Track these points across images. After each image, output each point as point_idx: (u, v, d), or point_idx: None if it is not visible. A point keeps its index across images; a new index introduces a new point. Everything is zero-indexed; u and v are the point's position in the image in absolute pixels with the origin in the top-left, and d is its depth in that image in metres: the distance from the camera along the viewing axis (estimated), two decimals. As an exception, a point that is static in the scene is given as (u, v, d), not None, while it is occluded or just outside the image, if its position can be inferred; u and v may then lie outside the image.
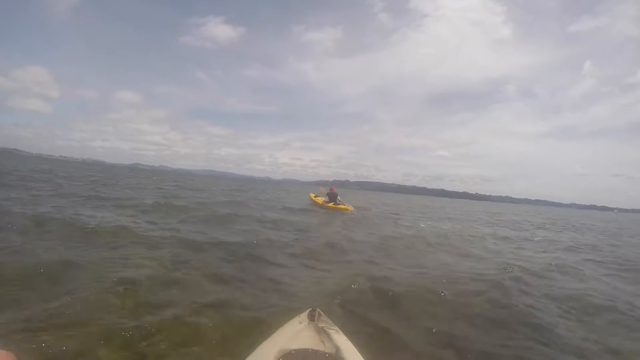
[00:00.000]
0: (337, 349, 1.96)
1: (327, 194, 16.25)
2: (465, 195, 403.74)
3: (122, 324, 2.78)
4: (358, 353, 1.97)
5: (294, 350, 1.92)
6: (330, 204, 15.62)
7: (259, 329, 2.76)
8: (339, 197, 16.04)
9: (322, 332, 2.16)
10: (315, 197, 17.79)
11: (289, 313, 2.54)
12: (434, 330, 3.36)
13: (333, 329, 2.18)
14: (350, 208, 15.37)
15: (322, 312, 2.37)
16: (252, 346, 2.01)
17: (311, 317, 2.31)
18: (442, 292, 4.34)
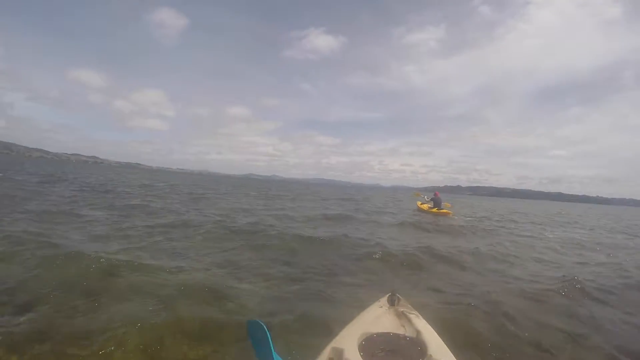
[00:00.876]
0: (418, 332, 1.98)
1: (432, 199, 16.61)
2: (584, 199, 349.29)
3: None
4: (439, 337, 1.96)
5: (376, 334, 1.99)
6: (434, 209, 15.96)
7: (341, 313, 2.87)
8: (442, 202, 16.31)
9: (402, 317, 2.19)
10: (421, 204, 17.87)
11: (370, 298, 2.60)
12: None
13: (413, 314, 2.20)
14: (451, 213, 15.56)
15: (401, 297, 2.40)
16: (335, 330, 2.11)
17: (391, 302, 2.37)
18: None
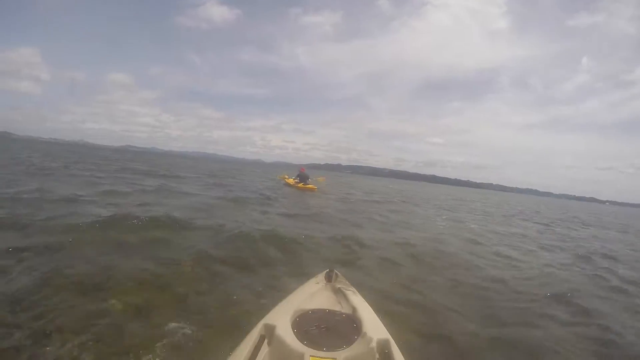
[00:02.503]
0: (354, 309, 1.99)
1: (298, 175, 16.77)
2: (456, 182, 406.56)
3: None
4: (374, 314, 2.00)
5: (311, 310, 1.95)
6: (300, 184, 16.18)
7: (276, 290, 2.79)
8: (309, 179, 16.64)
9: (339, 293, 2.20)
10: (287, 178, 18.14)
11: (306, 275, 2.56)
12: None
13: (350, 290, 2.21)
14: (316, 188, 15.90)
15: (339, 273, 2.41)
16: (269, 307, 2.04)
17: (328, 278, 2.36)
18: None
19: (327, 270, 2.42)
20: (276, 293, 2.84)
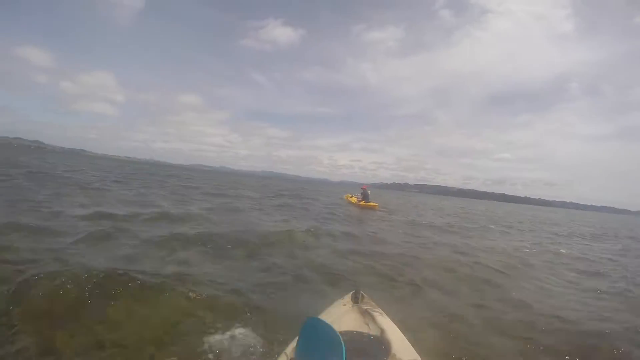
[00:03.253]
0: (382, 331, 1.92)
1: (361, 193, 17.59)
2: (527, 201, 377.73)
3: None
4: (403, 335, 1.92)
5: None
6: (362, 202, 16.99)
7: (304, 311, 2.77)
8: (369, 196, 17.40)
9: (366, 314, 2.13)
10: (350, 197, 19.21)
11: (333, 295, 2.53)
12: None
13: (377, 311, 2.14)
14: (377, 205, 16.57)
15: (365, 294, 2.35)
16: (296, 329, 2.03)
17: (355, 299, 2.30)
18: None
19: (354, 291, 2.36)
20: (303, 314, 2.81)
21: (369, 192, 17.48)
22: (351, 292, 2.36)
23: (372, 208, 16.15)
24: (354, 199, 17.98)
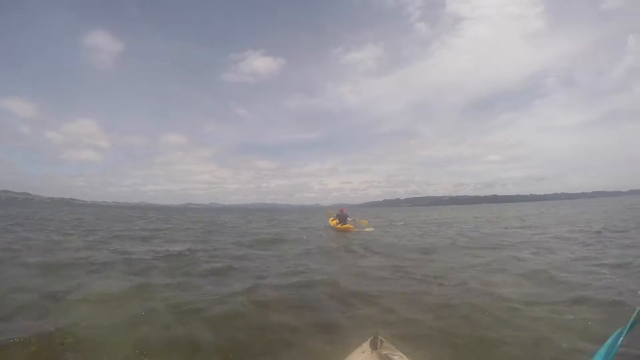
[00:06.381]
0: None
1: (337, 216, 16.65)
2: (518, 198, 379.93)
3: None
4: None
5: None
6: (339, 226, 16.03)
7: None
8: (349, 218, 16.41)
9: None
10: (331, 220, 17.90)
11: (350, 342, 2.50)
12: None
13: (396, 355, 2.12)
14: (352, 227, 15.61)
15: (384, 339, 2.32)
16: None
17: (373, 346, 2.25)
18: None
19: (372, 337, 2.30)
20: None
21: (346, 214, 16.61)
22: (370, 339, 2.30)
23: (347, 230, 15.38)
24: (332, 222, 17.10)
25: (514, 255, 7.92)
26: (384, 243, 11.34)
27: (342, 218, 16.32)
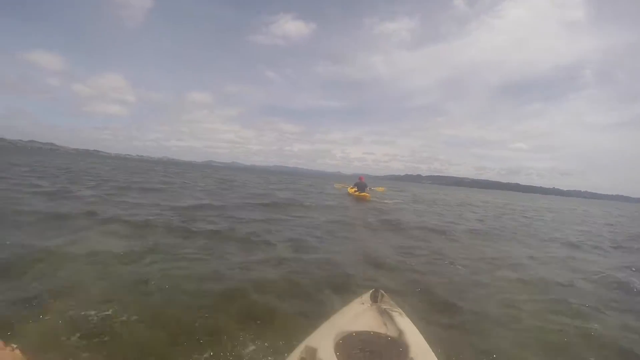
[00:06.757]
0: (400, 332, 1.85)
1: (356, 184, 17.27)
2: (542, 191, 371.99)
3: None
4: (422, 337, 1.84)
5: (355, 332, 1.85)
6: (357, 193, 16.66)
7: (320, 309, 2.70)
8: (367, 188, 17.06)
9: (384, 314, 2.06)
10: (350, 188, 18.54)
11: (351, 294, 2.46)
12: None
13: (396, 311, 2.07)
14: (369, 196, 16.29)
15: (385, 294, 2.27)
16: (312, 327, 1.97)
17: (374, 299, 2.22)
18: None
19: (373, 290, 2.28)
20: (319, 312, 2.72)
21: (365, 183, 17.32)
22: (370, 291, 2.28)
23: (363, 199, 16.02)
24: (351, 190, 17.76)
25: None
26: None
27: (360, 186, 16.82)
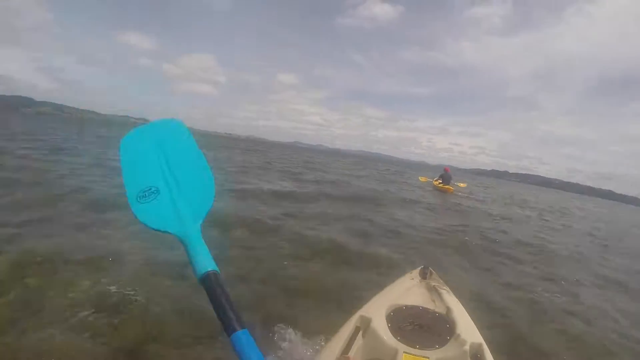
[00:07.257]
0: (448, 309, 1.93)
1: (441, 176, 16.91)
2: (635, 201, 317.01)
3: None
4: (469, 317, 1.90)
5: (405, 306, 1.96)
6: (440, 185, 16.39)
7: (372, 282, 2.86)
8: (451, 180, 16.73)
9: (433, 291, 2.16)
10: (434, 180, 18.11)
11: (402, 269, 2.58)
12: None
13: (444, 289, 2.15)
14: (452, 189, 16.00)
15: (434, 271, 2.36)
16: (364, 299, 2.07)
17: (423, 275, 2.33)
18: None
19: (422, 267, 2.38)
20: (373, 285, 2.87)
21: (450, 175, 16.85)
22: (419, 268, 2.38)
23: (446, 191, 15.69)
24: (436, 182, 17.37)
25: None
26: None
27: (445, 178, 16.53)
